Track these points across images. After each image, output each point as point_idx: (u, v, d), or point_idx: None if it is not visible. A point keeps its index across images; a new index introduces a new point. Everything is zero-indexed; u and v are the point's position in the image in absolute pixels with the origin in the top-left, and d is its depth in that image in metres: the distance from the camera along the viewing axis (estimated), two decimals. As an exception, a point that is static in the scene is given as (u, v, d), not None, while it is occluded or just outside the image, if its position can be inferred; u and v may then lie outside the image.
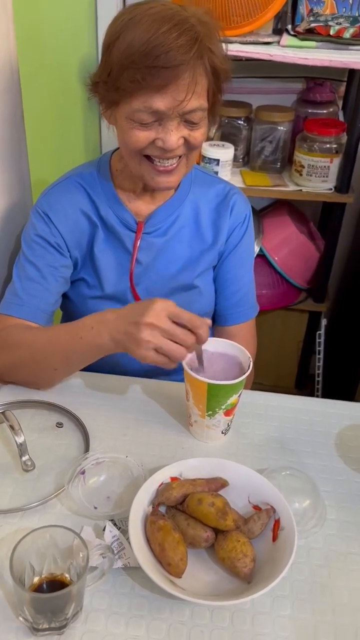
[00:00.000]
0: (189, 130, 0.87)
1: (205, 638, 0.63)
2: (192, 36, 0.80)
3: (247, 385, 1.13)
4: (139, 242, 1.02)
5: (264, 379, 1.95)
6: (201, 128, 0.89)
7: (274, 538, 0.69)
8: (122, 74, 0.82)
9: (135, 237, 1.02)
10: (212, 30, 0.84)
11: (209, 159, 1.59)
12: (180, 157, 0.90)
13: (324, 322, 1.89)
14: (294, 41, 1.49)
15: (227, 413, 0.84)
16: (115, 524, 0.73)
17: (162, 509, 0.73)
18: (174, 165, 0.90)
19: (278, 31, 1.57)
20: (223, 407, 0.83)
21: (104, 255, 1.03)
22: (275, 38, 1.53)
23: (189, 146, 0.89)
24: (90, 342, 0.86)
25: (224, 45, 0.87)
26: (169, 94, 0.82)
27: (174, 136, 0.85)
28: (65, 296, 1.07)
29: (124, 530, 0.72)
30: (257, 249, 1.79)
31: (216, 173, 1.56)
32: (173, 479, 0.75)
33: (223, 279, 1.11)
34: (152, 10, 0.82)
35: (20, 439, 0.81)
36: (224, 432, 0.87)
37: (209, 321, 0.82)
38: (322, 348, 1.91)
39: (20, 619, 0.63)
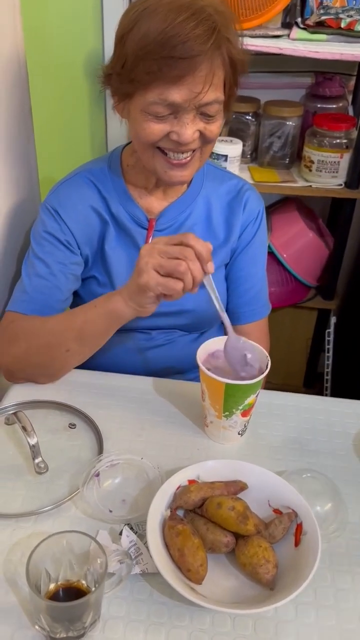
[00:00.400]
0: (205, 124, 0.85)
1: (227, 646, 0.61)
2: (210, 26, 0.77)
3: (262, 385, 1.12)
4: (150, 240, 1.00)
5: (273, 377, 1.93)
6: (217, 121, 0.87)
7: (297, 543, 0.67)
8: (138, 65, 0.80)
9: (147, 234, 1.00)
10: (229, 21, 0.82)
11: (217, 154, 1.56)
12: (194, 150, 0.88)
13: (333, 320, 1.87)
14: (304, 34, 1.47)
15: (245, 414, 0.82)
16: (132, 528, 0.71)
17: (180, 513, 0.71)
18: (188, 159, 0.88)
19: (287, 24, 1.54)
20: (240, 407, 0.81)
21: (115, 252, 1.01)
22: (285, 31, 1.51)
23: (205, 139, 0.87)
24: (104, 308, 0.87)
25: (240, 37, 0.85)
26: (186, 85, 0.79)
27: (189, 129, 0.83)
28: (76, 294, 1.05)
29: (141, 535, 0.70)
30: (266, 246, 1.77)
31: (224, 169, 1.54)
32: (191, 481, 0.73)
33: (235, 276, 1.09)
34: (166, 0, 0.79)
35: (33, 441, 0.79)
36: (241, 433, 0.85)
37: (209, 244, 0.79)
38: (331, 346, 1.89)
39: (37, 627, 0.61)
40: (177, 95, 0.80)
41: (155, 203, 1.00)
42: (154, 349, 1.08)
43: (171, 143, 0.85)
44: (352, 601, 0.66)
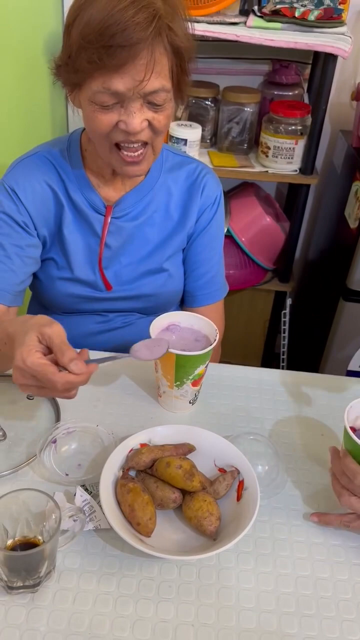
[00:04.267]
0: (153, 113, 0.85)
1: (173, 592, 0.67)
2: (151, 13, 0.77)
3: (215, 360, 1.17)
4: (108, 226, 1.02)
5: (232, 357, 1.99)
6: (166, 111, 0.87)
7: (239, 498, 0.73)
8: (80, 54, 0.79)
9: (104, 221, 1.02)
10: (175, 8, 0.82)
11: (177, 138, 1.60)
12: (146, 145, 0.89)
13: (289, 301, 1.94)
14: (260, 22, 1.51)
15: (195, 383, 0.87)
16: (86, 489, 0.75)
17: (132, 474, 0.76)
18: (141, 156, 0.89)
19: (245, 12, 1.58)
20: (191, 377, 0.86)
21: (73, 236, 1.03)
22: (242, 19, 1.55)
23: (154, 130, 0.87)
24: (3, 355, 0.82)
25: (189, 24, 0.86)
26: (128, 74, 0.79)
27: (137, 118, 0.83)
28: (34, 276, 1.07)
29: (95, 495, 0.74)
30: (224, 230, 1.82)
31: (184, 153, 1.57)
32: (143, 445, 0.78)
33: (192, 260, 1.11)
34: None
35: (-9, 410, 0.82)
36: (192, 402, 0.91)
37: (85, 354, 0.75)
38: (287, 327, 1.96)
39: (-5, 578, 0.65)
40: (120, 83, 0.80)
41: (113, 191, 1.02)
42: (112, 331, 1.11)
43: (122, 134, 0.86)
44: (287, 550, 0.72)
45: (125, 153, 0.89)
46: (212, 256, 1.12)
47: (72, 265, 1.04)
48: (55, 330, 0.72)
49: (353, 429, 0.73)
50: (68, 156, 1.01)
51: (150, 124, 0.86)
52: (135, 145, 0.88)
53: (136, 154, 0.89)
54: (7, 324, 0.81)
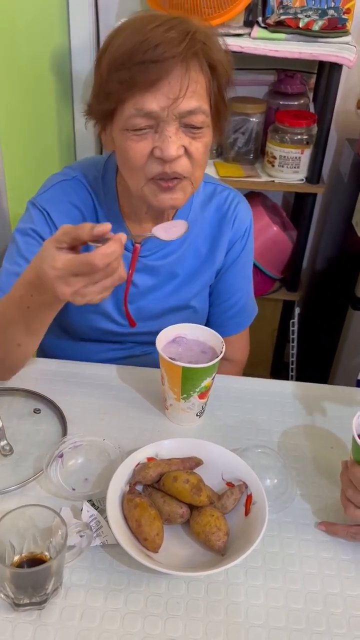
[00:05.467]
0: (191, 139, 0.80)
1: (181, 609, 0.66)
2: (184, 29, 0.75)
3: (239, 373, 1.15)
4: (135, 265, 0.98)
5: (240, 368, 1.99)
6: (204, 137, 0.82)
7: (247, 512, 0.72)
8: (111, 78, 0.77)
9: (131, 260, 0.97)
10: (210, 32, 0.79)
11: (183, 150, 1.60)
12: (183, 179, 0.84)
13: (297, 310, 1.93)
14: (265, 33, 1.52)
15: (202, 396, 0.87)
16: (93, 504, 0.75)
17: (139, 488, 0.76)
18: (177, 183, 0.84)
19: (249, 23, 1.60)
20: (197, 389, 0.85)
21: None
22: (246, 30, 1.56)
23: (191, 159, 0.82)
24: (38, 308, 0.79)
25: (226, 52, 0.81)
26: (161, 91, 0.76)
27: (173, 144, 0.78)
28: None
29: (101, 510, 0.74)
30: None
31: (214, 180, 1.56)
32: (149, 459, 0.78)
33: (221, 292, 1.08)
34: (143, 14, 0.79)
35: (-2, 425, 0.82)
36: (199, 415, 0.90)
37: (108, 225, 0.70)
38: (295, 336, 1.95)
39: (1, 595, 0.65)
40: (153, 102, 0.76)
41: (142, 228, 0.98)
42: (131, 358, 1.10)
43: (157, 164, 0.81)
44: (297, 565, 0.71)
45: (159, 181, 0.84)
46: (242, 286, 1.09)
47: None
48: (62, 227, 0.70)
49: None
50: (102, 185, 0.97)
51: (187, 152, 0.81)
52: (172, 179, 0.83)
53: (171, 183, 0.84)
54: (15, 285, 0.79)
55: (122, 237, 0.69)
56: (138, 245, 0.96)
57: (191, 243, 1.02)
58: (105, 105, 0.81)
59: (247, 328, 1.15)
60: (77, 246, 0.72)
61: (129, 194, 0.92)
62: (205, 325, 1.09)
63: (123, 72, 0.76)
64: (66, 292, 0.70)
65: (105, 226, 0.68)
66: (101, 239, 0.69)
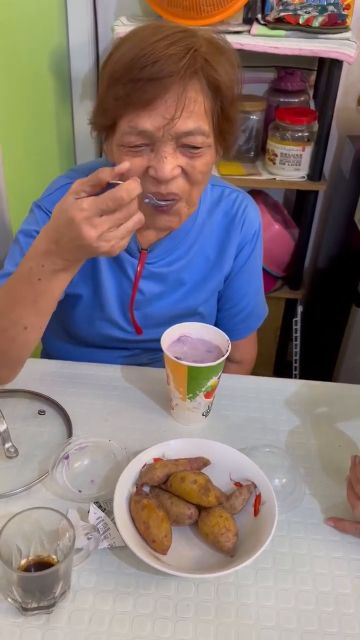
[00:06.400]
0: (188, 159, 0.77)
1: (191, 611, 0.65)
2: (186, 46, 0.71)
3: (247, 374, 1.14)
4: (141, 272, 0.97)
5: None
6: (203, 157, 0.78)
7: (256, 513, 0.71)
8: (108, 93, 0.75)
9: (138, 267, 0.97)
10: (218, 48, 0.75)
11: (183, 148, 1.60)
12: (179, 200, 0.81)
13: (299, 309, 1.92)
14: (264, 30, 1.51)
15: (208, 395, 0.86)
16: (100, 506, 0.74)
17: (146, 489, 0.75)
18: (172, 206, 0.82)
19: (248, 20, 1.59)
20: (203, 389, 0.84)
21: (106, 277, 0.98)
22: (246, 27, 1.55)
23: (189, 179, 0.79)
24: (50, 278, 0.78)
25: (238, 70, 0.77)
26: (156, 111, 0.72)
27: (168, 164, 0.75)
28: (63, 306, 0.98)
29: (108, 512, 0.73)
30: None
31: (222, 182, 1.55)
32: (156, 459, 0.77)
33: (230, 297, 1.06)
34: (149, 24, 0.75)
35: (2, 427, 0.81)
36: (205, 415, 0.89)
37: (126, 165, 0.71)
38: (298, 334, 1.94)
39: (9, 600, 0.64)
40: (147, 122, 0.73)
41: (149, 234, 0.95)
42: (138, 366, 1.07)
43: (152, 184, 0.78)
44: (307, 565, 0.70)
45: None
46: (251, 289, 1.07)
47: (103, 304, 1.00)
48: (76, 181, 0.72)
49: None
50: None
51: (184, 172, 0.78)
52: (167, 202, 0.80)
53: (166, 203, 0.81)
54: (23, 261, 0.79)
55: (136, 179, 0.70)
56: (145, 252, 0.95)
57: (199, 249, 1.00)
58: (103, 120, 0.80)
59: (255, 332, 1.14)
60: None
61: None
62: None
63: (118, 87, 0.73)
64: (92, 235, 0.69)
65: (125, 164, 0.70)
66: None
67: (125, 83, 0.72)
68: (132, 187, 0.68)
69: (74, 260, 0.77)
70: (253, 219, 1.02)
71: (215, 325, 1.10)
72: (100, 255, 0.74)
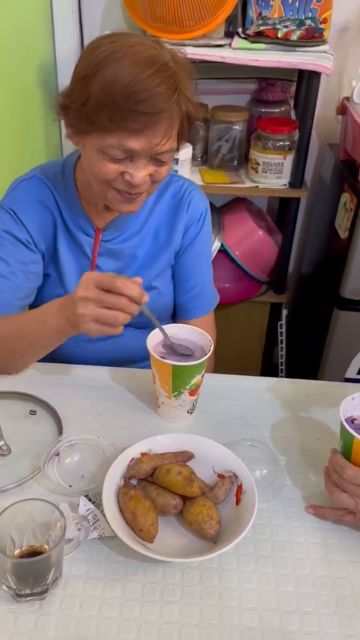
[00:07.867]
0: (156, 167, 0.91)
1: (177, 595, 0.69)
2: (173, 84, 0.84)
3: (209, 371, 1.19)
4: (98, 249, 1.07)
5: (230, 370, 2.01)
6: (167, 165, 0.93)
7: (237, 502, 0.75)
8: (101, 111, 0.83)
9: (93, 244, 1.07)
10: (187, 73, 0.88)
11: (168, 158, 1.64)
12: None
13: (284, 312, 1.97)
14: (245, 43, 1.57)
15: (192, 393, 0.90)
16: (89, 499, 0.77)
17: (134, 482, 0.78)
18: (138, 196, 0.95)
19: (229, 34, 1.64)
20: (188, 387, 0.88)
21: (66, 256, 1.07)
22: (227, 41, 1.60)
23: (153, 180, 0.93)
24: (52, 328, 0.90)
25: (194, 83, 0.91)
26: (145, 137, 0.85)
27: (141, 173, 0.89)
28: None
29: (98, 504, 0.76)
30: (218, 245, 1.86)
31: (176, 171, 1.62)
32: (143, 454, 0.80)
33: (181, 274, 1.15)
34: (133, 49, 0.83)
35: (-5, 426, 0.85)
36: (190, 412, 0.93)
37: (139, 279, 0.83)
38: (284, 337, 1.99)
39: (4, 587, 0.67)
40: (135, 144, 0.86)
41: (103, 215, 1.06)
42: (105, 340, 1.14)
43: (123, 184, 0.91)
44: (287, 550, 0.74)
45: (124, 193, 0.93)
46: (200, 270, 1.16)
47: (65, 283, 1.08)
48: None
49: (353, 419, 0.77)
50: (62, 180, 1.05)
51: (151, 176, 0.92)
52: (133, 195, 0.93)
53: (133, 196, 0.94)
54: (29, 313, 0.91)
55: (138, 280, 0.82)
56: (99, 230, 1.05)
57: (150, 227, 1.10)
58: (87, 127, 0.88)
59: (212, 316, 1.20)
60: None
61: (89, 188, 1.00)
62: (172, 310, 1.19)
63: (114, 111, 0.83)
64: (87, 306, 0.81)
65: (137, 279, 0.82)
66: None
67: (121, 110, 0.83)
68: (129, 282, 0.80)
69: (70, 320, 0.86)
70: (199, 201, 1.12)
71: (174, 305, 1.19)
72: (87, 333, 0.83)
